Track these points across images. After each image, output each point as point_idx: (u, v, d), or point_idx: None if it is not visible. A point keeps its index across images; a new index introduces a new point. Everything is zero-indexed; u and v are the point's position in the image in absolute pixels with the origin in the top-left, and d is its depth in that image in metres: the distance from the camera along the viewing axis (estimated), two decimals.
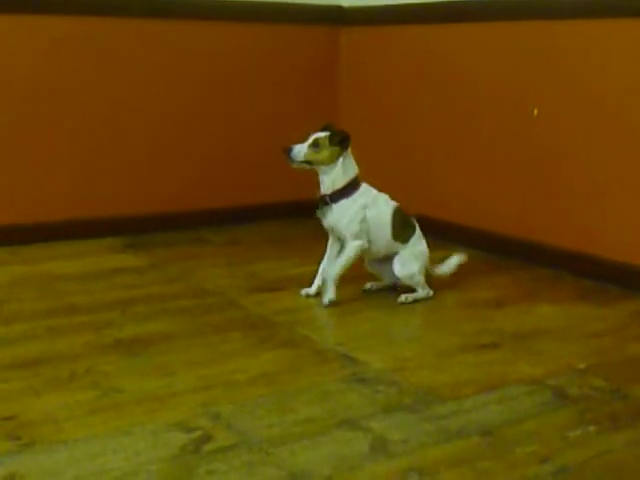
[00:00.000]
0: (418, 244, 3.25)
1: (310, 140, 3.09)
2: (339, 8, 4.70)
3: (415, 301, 3.21)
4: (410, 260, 3.21)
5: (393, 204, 3.23)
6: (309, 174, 4.67)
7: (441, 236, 4.18)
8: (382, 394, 2.39)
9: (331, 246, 3.24)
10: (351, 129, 4.70)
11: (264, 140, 4.60)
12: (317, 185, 3.16)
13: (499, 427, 2.19)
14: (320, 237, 4.29)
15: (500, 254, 3.90)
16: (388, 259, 3.25)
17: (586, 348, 2.79)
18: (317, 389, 2.42)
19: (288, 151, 3.08)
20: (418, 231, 3.27)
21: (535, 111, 3.72)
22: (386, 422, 2.21)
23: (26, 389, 2.40)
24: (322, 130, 3.13)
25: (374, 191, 3.21)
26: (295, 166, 3.12)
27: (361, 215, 3.13)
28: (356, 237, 3.13)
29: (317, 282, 3.24)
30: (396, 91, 4.48)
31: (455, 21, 4.10)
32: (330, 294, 3.13)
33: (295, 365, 2.61)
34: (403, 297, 3.21)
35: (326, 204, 3.14)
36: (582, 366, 2.61)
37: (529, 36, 3.74)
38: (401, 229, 3.22)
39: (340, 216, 3.12)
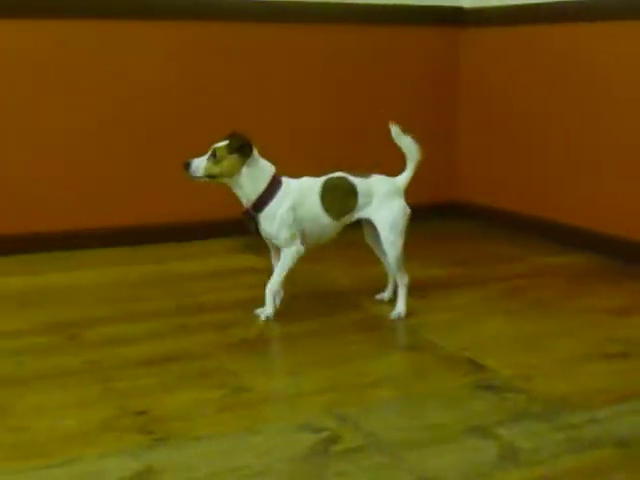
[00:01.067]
0: (385, 204, 3.02)
1: (209, 152, 2.86)
2: (460, 9, 4.66)
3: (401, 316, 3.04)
4: (389, 237, 3.00)
5: (319, 184, 2.98)
6: (433, 179, 4.71)
7: (565, 240, 4.11)
8: (510, 401, 2.35)
9: (273, 257, 3.03)
10: (471, 132, 4.73)
11: (382, 143, 4.59)
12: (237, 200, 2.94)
13: (635, 439, 2.12)
14: (439, 241, 4.31)
15: (625, 260, 3.79)
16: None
17: None
18: (444, 394, 2.40)
19: (187, 167, 2.85)
20: (381, 188, 3.02)
21: None
22: (515, 430, 2.16)
23: (157, 385, 2.46)
24: (226, 139, 2.88)
25: (296, 184, 2.96)
26: (198, 181, 2.88)
27: (290, 218, 2.89)
28: (289, 243, 2.92)
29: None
30: (518, 93, 4.40)
31: (580, 20, 4.01)
32: (268, 309, 2.95)
33: (420, 369, 2.60)
34: (395, 314, 3.04)
35: (251, 218, 2.92)
36: None
37: None
38: (341, 201, 2.98)
39: (269, 224, 2.90)
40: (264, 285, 2.98)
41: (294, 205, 2.90)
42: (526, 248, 4.11)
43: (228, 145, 2.84)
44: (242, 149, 2.84)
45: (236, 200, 2.93)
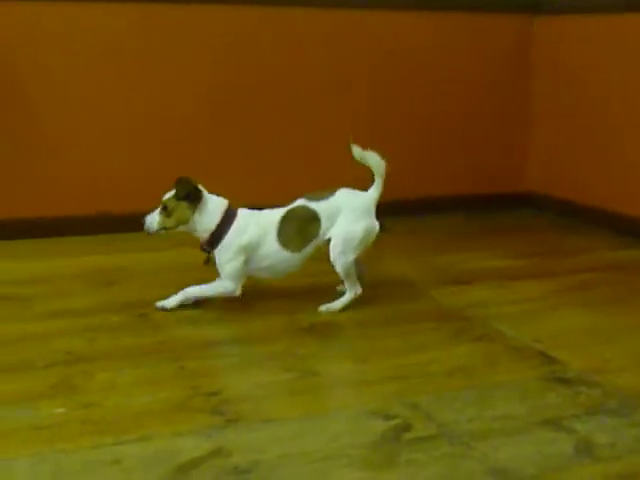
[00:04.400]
0: (343, 225, 2.92)
1: (160, 206, 2.87)
2: None
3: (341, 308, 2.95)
4: (338, 246, 2.90)
5: (276, 219, 2.91)
6: (504, 168, 4.65)
7: (636, 234, 4.01)
8: (584, 395, 2.30)
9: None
10: (543, 122, 4.65)
11: (452, 131, 4.56)
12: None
13: None
14: (509, 232, 4.26)
15: None
16: None
17: None
18: (515, 386, 2.36)
19: (143, 224, 2.88)
20: (348, 203, 2.93)
21: None
22: (590, 424, 2.12)
23: (227, 367, 2.48)
24: (175, 186, 2.88)
25: (253, 220, 2.91)
26: (157, 234, 2.89)
27: (240, 259, 2.87)
28: (230, 277, 2.89)
29: None
30: (593, 83, 4.31)
31: None
32: (170, 303, 2.91)
33: (491, 360, 2.56)
34: (324, 307, 2.94)
35: (207, 252, 2.92)
36: None
37: None
38: (301, 232, 2.92)
39: (220, 260, 2.89)
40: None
41: (247, 246, 2.87)
42: (596, 241, 4.03)
43: (175, 194, 2.85)
44: (190, 196, 2.85)
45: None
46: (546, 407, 2.23)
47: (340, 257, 2.91)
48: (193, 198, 2.86)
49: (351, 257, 2.92)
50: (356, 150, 2.96)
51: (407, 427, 2.09)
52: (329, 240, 2.93)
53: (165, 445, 1.99)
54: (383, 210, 4.31)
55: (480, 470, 1.90)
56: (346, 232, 2.92)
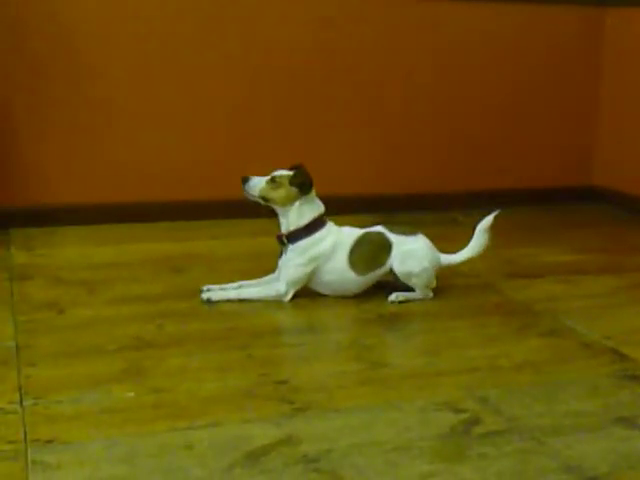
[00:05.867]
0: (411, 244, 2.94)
1: (270, 176, 2.90)
2: None
3: (407, 301, 2.92)
4: (409, 258, 2.91)
5: (352, 238, 2.93)
6: (570, 162, 4.60)
7: None
8: None
9: (269, 277, 2.99)
10: (611, 115, 4.57)
11: (519, 125, 4.50)
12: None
13: None
14: (575, 226, 4.20)
15: None
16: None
17: None
18: (586, 382, 2.33)
19: (245, 181, 2.89)
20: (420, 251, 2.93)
21: None
22: None
23: (295, 355, 2.50)
24: (291, 169, 2.91)
25: (331, 234, 2.92)
26: (250, 198, 2.92)
27: (308, 268, 2.89)
28: (289, 285, 2.89)
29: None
30: None
31: None
32: (218, 297, 2.89)
33: (561, 356, 2.53)
34: (394, 296, 2.93)
35: (282, 243, 2.92)
36: None
37: None
38: (370, 256, 2.93)
39: (289, 259, 2.90)
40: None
41: (318, 257, 2.89)
42: None
43: (292, 177, 2.88)
44: (303, 185, 2.88)
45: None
46: (619, 405, 2.20)
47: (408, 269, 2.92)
48: (304, 189, 2.88)
49: (417, 270, 2.92)
50: (486, 222, 2.97)
51: (476, 420, 2.08)
52: (390, 270, 2.94)
53: (235, 431, 2.01)
54: (454, 203, 4.34)
55: (553, 466, 1.88)
56: (410, 252, 2.92)
